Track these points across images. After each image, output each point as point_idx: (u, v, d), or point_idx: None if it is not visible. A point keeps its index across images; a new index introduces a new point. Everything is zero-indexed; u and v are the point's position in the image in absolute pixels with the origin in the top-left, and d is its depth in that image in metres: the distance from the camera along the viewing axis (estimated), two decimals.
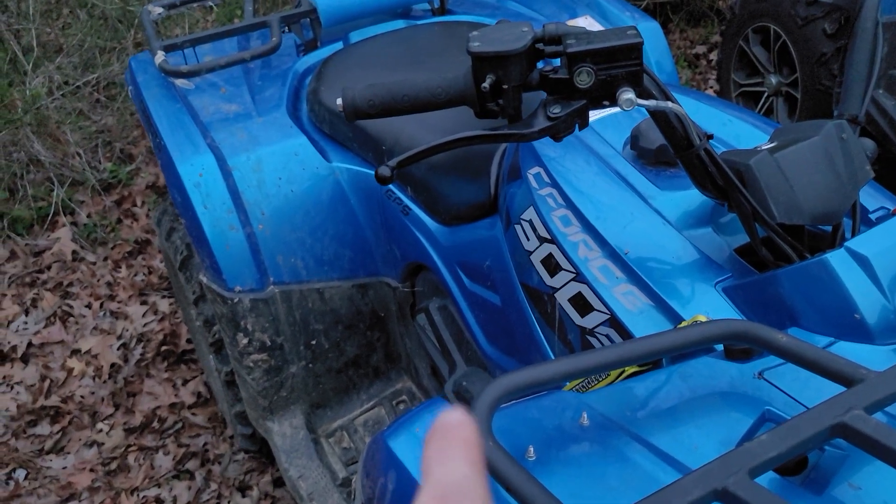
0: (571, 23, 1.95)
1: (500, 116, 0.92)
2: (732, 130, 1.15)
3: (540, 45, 0.84)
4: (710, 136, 0.90)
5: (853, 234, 0.94)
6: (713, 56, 3.68)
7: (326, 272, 1.66)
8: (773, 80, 2.87)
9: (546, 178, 1.13)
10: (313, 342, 1.67)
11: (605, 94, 0.81)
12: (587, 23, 1.96)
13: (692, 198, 1.06)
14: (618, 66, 0.79)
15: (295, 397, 1.68)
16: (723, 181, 0.89)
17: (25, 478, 2.04)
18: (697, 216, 1.05)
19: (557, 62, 0.86)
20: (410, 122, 1.57)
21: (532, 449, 0.73)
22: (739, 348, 0.82)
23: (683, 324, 0.87)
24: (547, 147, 1.18)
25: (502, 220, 1.28)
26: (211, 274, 1.56)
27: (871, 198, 1.02)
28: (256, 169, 1.58)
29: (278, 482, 1.96)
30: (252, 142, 1.61)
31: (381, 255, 1.71)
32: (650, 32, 1.89)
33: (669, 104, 0.83)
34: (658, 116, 0.87)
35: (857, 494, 0.68)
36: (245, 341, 1.57)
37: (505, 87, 0.81)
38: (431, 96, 0.87)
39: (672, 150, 0.90)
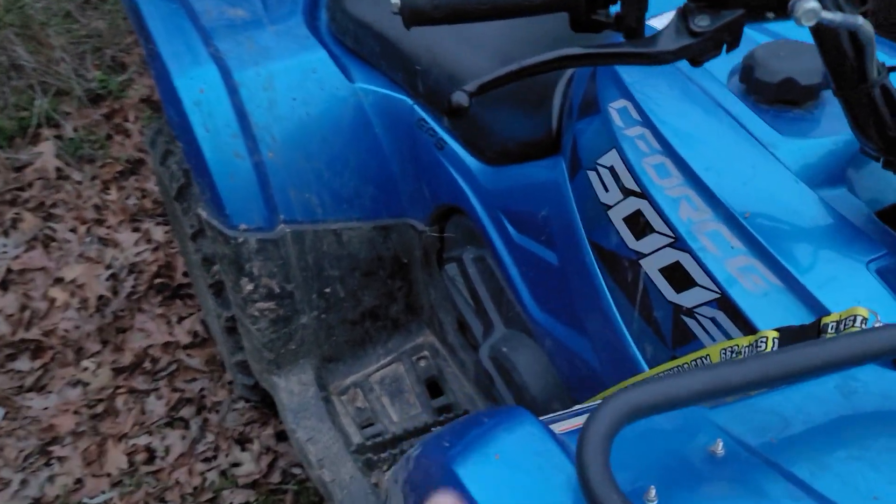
0: None
1: (603, 30, 0.69)
2: None
3: None
4: (893, 69, 0.67)
5: None
6: None
7: (345, 211, 1.44)
8: None
9: (635, 115, 0.91)
10: (327, 290, 1.46)
11: (770, 2, 0.59)
12: None
13: (821, 148, 0.84)
14: None
15: (305, 351, 1.49)
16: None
17: (4, 417, 1.87)
18: (829, 171, 0.83)
19: None
20: (448, 37, 1.32)
21: (654, 491, 0.54)
22: None
23: (836, 316, 0.66)
24: (634, 74, 0.95)
25: (567, 163, 1.06)
26: (212, 208, 1.34)
27: None
28: (267, 86, 1.34)
29: (282, 435, 1.79)
30: (262, 54, 1.37)
31: (408, 193, 1.49)
32: None
33: (860, 20, 0.60)
34: (827, 38, 0.64)
35: None
36: (250, 287, 1.37)
37: None
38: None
39: (833, 84, 0.68)
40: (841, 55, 0.65)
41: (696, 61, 0.64)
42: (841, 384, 0.62)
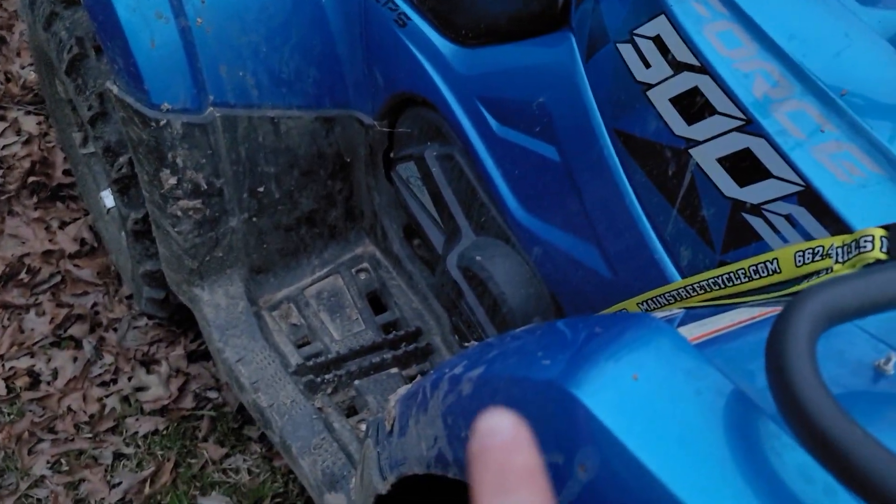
0: None
1: None
2: None
3: None
4: None
5: None
6: None
7: (284, 96, 1.22)
8: None
9: None
10: (260, 189, 1.25)
11: None
12: None
13: None
14: None
15: (233, 259, 1.28)
16: None
17: None
18: None
19: None
20: None
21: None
22: None
23: None
24: None
25: (582, 39, 0.90)
26: (127, 82, 1.09)
27: None
28: None
29: (193, 356, 1.58)
30: None
31: (356, 79, 1.28)
32: None
33: None
34: None
35: None
36: (173, 181, 1.14)
37: None
38: None
39: None
40: None
41: None
42: None
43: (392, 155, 1.34)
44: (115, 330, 1.60)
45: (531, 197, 1.04)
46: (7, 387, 1.52)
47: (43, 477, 1.41)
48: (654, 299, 0.81)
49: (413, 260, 1.39)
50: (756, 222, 0.71)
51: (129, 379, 1.53)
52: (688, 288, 0.77)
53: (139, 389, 1.53)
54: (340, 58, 1.26)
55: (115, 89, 1.11)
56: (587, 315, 0.92)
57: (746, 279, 0.70)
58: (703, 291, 0.75)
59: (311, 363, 1.26)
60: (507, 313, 1.08)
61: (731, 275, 0.71)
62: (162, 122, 1.09)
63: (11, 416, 1.48)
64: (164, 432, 1.48)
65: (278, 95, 1.22)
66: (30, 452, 1.44)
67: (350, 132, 1.33)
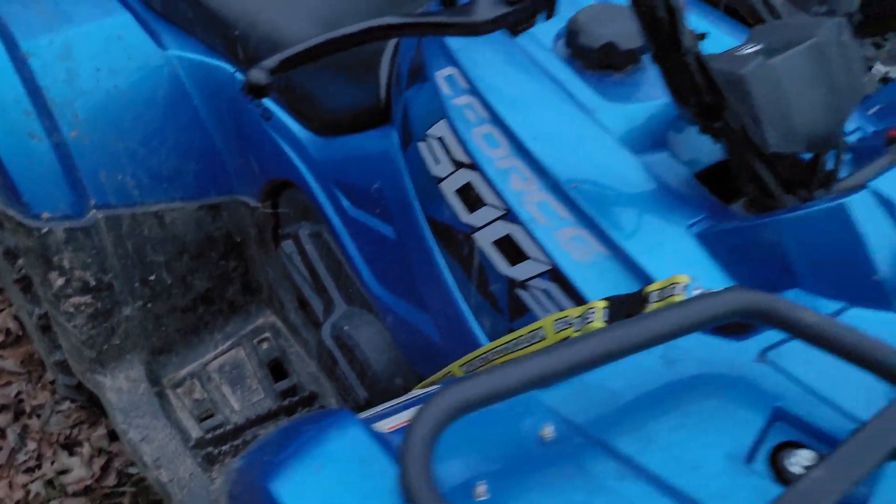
0: None
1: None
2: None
3: None
4: (703, 36, 0.67)
5: (836, 165, 0.77)
6: None
7: (166, 191, 1.33)
8: None
9: (463, 83, 0.87)
10: (151, 278, 1.35)
11: None
12: None
13: (642, 112, 0.85)
14: None
15: (131, 345, 1.37)
16: (711, 97, 0.68)
17: None
18: (652, 135, 0.84)
19: None
20: (277, 5, 1.24)
21: (483, 486, 0.52)
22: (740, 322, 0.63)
23: (658, 284, 0.67)
24: (460, 40, 0.91)
25: (399, 134, 1.02)
26: (7, 196, 1.19)
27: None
28: (65, 56, 1.19)
29: (115, 434, 1.66)
30: (57, 18, 1.22)
31: (236, 168, 1.39)
32: None
33: None
34: (642, 5, 0.64)
35: None
36: (61, 282, 1.23)
37: None
38: None
39: (653, 51, 0.68)
40: (656, 22, 0.65)
41: (514, 30, 0.62)
42: (664, 353, 0.62)
43: (279, 232, 1.45)
44: (39, 416, 1.68)
45: (380, 270, 1.14)
46: None
47: None
48: (470, 362, 0.92)
49: (308, 327, 1.49)
50: (525, 296, 0.82)
51: (52, 463, 1.61)
52: (492, 351, 0.88)
53: (62, 472, 1.60)
54: (218, 150, 1.37)
55: None
56: (312, 414, 1.01)
57: (526, 344, 0.81)
58: (502, 354, 0.86)
59: (210, 436, 1.34)
60: (372, 377, 1.18)
61: (515, 341, 0.82)
62: (44, 230, 1.19)
63: None
64: None
65: (160, 191, 1.32)
66: None
67: (237, 215, 1.44)
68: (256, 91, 0.64)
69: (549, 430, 0.56)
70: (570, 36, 0.88)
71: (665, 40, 0.65)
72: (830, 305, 0.65)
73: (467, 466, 0.54)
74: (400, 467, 0.46)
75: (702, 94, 0.69)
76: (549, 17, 0.63)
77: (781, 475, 0.55)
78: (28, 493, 1.57)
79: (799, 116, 0.70)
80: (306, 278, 1.38)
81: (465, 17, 0.59)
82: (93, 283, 1.26)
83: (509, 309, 0.85)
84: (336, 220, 1.21)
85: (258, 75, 0.64)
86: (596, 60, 0.87)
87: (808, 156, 0.76)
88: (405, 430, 0.47)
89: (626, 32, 0.85)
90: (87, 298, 1.26)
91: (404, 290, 1.09)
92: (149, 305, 1.37)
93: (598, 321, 0.70)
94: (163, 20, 1.31)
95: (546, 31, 0.92)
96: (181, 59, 1.30)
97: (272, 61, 0.66)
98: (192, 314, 1.45)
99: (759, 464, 0.56)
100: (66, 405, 1.69)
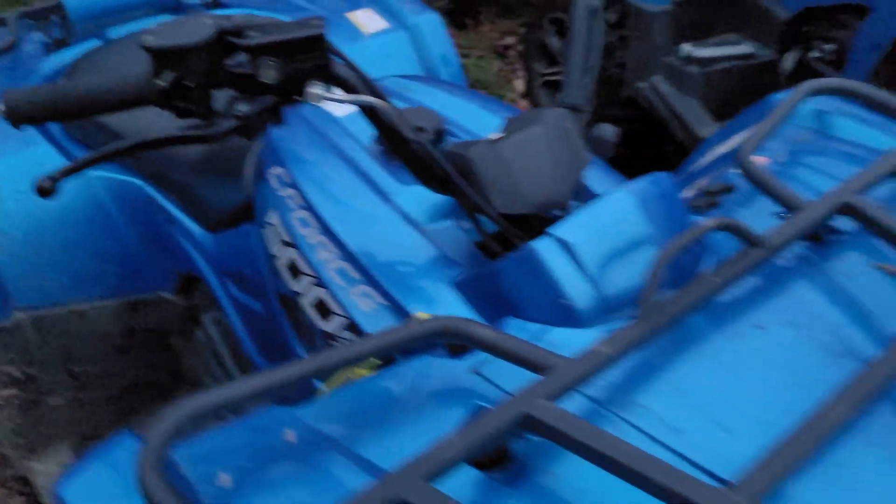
0: (351, 15, 1.90)
1: (189, 116, 0.84)
2: (477, 121, 1.14)
3: (231, 38, 0.77)
4: (421, 129, 0.87)
5: None
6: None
7: (87, 291, 1.52)
8: None
9: (286, 178, 1.07)
10: (76, 369, 1.52)
11: (293, 89, 0.76)
12: (368, 16, 1.92)
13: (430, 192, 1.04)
14: (302, 59, 0.74)
15: (61, 432, 1.53)
16: (441, 174, 0.87)
17: None
18: (439, 210, 1.02)
19: None
20: (164, 122, 1.46)
21: (225, 476, 0.67)
22: (460, 345, 0.80)
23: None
24: (290, 144, 1.12)
25: (257, 225, 1.21)
26: None
27: (599, 181, 1.03)
28: None
29: None
30: None
31: (153, 267, 1.58)
32: (430, 24, 1.88)
33: (365, 97, 0.79)
34: (367, 112, 0.83)
35: (554, 483, 0.67)
36: None
37: (189, 84, 0.74)
38: (102, 97, 0.78)
39: (388, 145, 0.87)
40: (380, 122, 0.84)
41: (248, 136, 0.81)
42: (398, 373, 0.79)
43: (199, 321, 1.63)
44: None
45: (260, 343, 1.31)
46: None
47: None
48: None
49: None
50: (336, 345, 0.99)
51: None
52: None
53: None
54: (136, 253, 1.57)
55: None
56: None
57: None
58: None
59: None
60: None
61: None
62: None
63: None
64: None
65: (82, 291, 1.51)
66: None
67: (159, 308, 1.62)
68: (44, 193, 0.82)
69: (290, 434, 0.72)
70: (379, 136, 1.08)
71: (392, 135, 0.85)
72: (536, 327, 0.81)
73: (218, 464, 0.69)
74: (136, 467, 0.61)
75: (436, 174, 0.87)
76: (276, 124, 0.82)
77: None
78: None
79: (525, 185, 0.88)
80: (218, 359, 1.55)
81: (206, 130, 0.78)
82: (18, 375, 1.43)
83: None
84: (228, 306, 1.39)
85: (45, 182, 0.81)
86: None
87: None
88: (141, 443, 0.63)
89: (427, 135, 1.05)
90: (12, 391, 1.42)
91: (276, 357, 1.25)
92: (78, 395, 1.53)
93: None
94: (82, 146, 1.53)
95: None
96: (98, 178, 1.51)
97: (57, 172, 0.83)
98: (123, 401, 1.61)
99: None
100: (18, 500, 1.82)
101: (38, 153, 1.46)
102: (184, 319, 1.61)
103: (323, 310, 0.99)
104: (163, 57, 0.74)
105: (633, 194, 0.83)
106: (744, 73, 2.41)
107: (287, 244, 1.04)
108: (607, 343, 0.70)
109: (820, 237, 0.94)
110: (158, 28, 0.76)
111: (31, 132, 1.49)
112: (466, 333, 0.71)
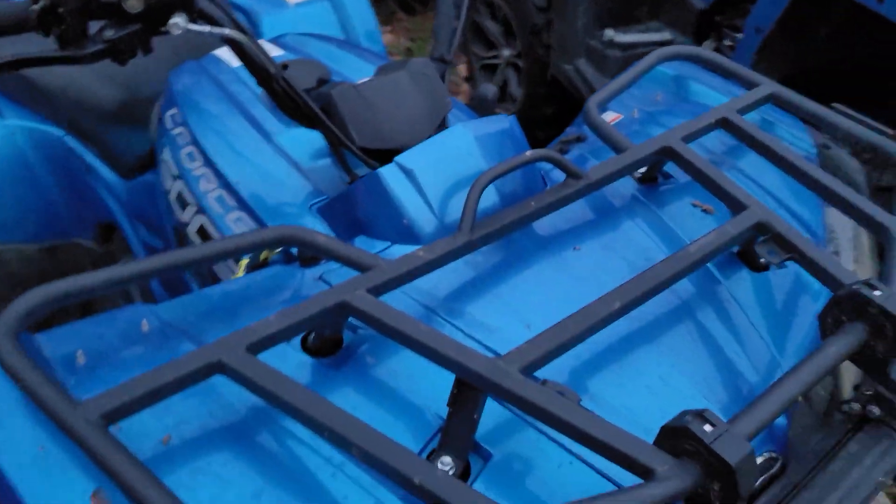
0: None
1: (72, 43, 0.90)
2: (364, 73, 1.24)
3: None
4: (285, 66, 0.96)
5: None
6: None
7: (5, 236, 1.58)
8: (506, 52, 3.08)
9: (178, 118, 1.16)
10: None
11: (157, 19, 0.85)
12: None
13: (313, 133, 1.13)
14: None
15: None
16: (306, 110, 0.96)
17: None
18: (318, 151, 1.12)
19: None
20: (85, 74, 1.53)
21: (82, 353, 0.76)
22: (310, 255, 0.89)
23: None
24: (185, 89, 1.20)
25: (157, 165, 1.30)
26: None
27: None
28: None
29: None
30: None
31: (72, 215, 1.65)
32: None
33: (227, 31, 0.88)
34: (234, 47, 0.92)
35: (372, 365, 0.77)
36: None
37: (61, 10, 0.82)
38: None
39: (256, 80, 0.96)
40: (246, 58, 0.93)
41: (119, 61, 0.89)
42: (253, 279, 0.88)
43: None
44: None
45: (165, 285, 1.39)
46: None
47: None
48: None
49: None
50: (217, 269, 1.08)
51: None
52: None
53: None
54: (55, 201, 1.63)
55: None
56: None
57: None
58: None
59: None
60: None
61: None
62: None
63: None
64: None
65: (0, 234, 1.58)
66: None
67: (76, 255, 1.69)
68: None
69: (145, 325, 0.80)
70: None
71: (258, 70, 0.94)
72: (382, 245, 0.91)
73: (76, 346, 0.77)
74: None
75: (301, 109, 0.97)
76: (145, 52, 0.90)
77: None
78: None
79: (386, 124, 0.98)
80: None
81: (73, 51, 0.85)
82: None
83: (212, 280, 1.11)
84: (140, 251, 1.47)
85: None
86: None
87: None
88: None
89: (305, 76, 1.15)
90: None
91: (173, 294, 1.34)
92: None
93: (241, 270, 0.96)
94: (2, 95, 1.60)
95: None
96: (19, 127, 1.57)
97: None
98: None
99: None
100: None
101: None
102: (99, 266, 1.68)
103: (204, 235, 1.08)
104: None
105: (471, 130, 0.93)
106: None
107: (176, 178, 1.13)
108: (426, 250, 0.80)
109: (655, 180, 1.06)
110: None
111: None
112: (302, 239, 0.80)
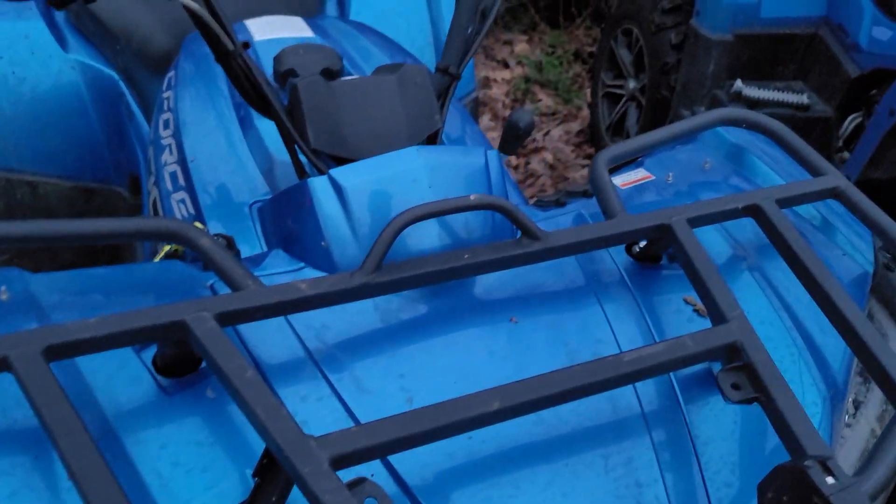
0: None
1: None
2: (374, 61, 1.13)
3: None
4: (247, 45, 0.86)
5: None
6: None
7: (44, 166, 1.59)
8: (632, 84, 2.87)
9: (172, 82, 1.09)
10: None
11: None
12: None
13: None
14: None
15: None
16: (262, 96, 0.86)
17: None
18: None
19: None
20: (147, 24, 1.51)
21: None
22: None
23: None
24: (189, 58, 1.14)
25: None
26: None
27: None
28: None
29: None
30: None
31: (112, 160, 1.65)
32: None
33: (187, 1, 0.79)
34: (191, 15, 0.83)
35: (212, 406, 0.66)
36: None
37: None
38: None
39: (214, 55, 0.86)
40: (206, 30, 0.83)
41: (57, 6, 0.81)
42: (137, 268, 0.79)
43: None
44: None
45: None
46: None
47: None
48: None
49: None
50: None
51: None
52: None
53: None
54: (100, 142, 1.63)
55: None
56: None
57: None
58: None
59: None
60: None
61: None
62: None
63: None
64: None
65: (38, 164, 1.59)
66: None
67: (112, 202, 1.69)
68: (57, 4, 0.81)
69: (5, 292, 0.73)
70: None
71: (216, 44, 0.84)
72: (296, 265, 0.79)
73: None
74: None
75: (259, 91, 0.86)
76: (86, 2, 0.82)
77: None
78: None
79: (350, 128, 0.86)
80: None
81: None
82: None
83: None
84: (147, 209, 1.43)
85: None
86: None
87: None
88: None
89: (302, 63, 1.05)
90: None
91: None
92: (15, 260, 1.62)
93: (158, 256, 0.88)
94: (73, 29, 1.61)
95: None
96: (79, 62, 1.58)
97: None
98: None
99: None
100: None
101: (28, 26, 1.54)
102: (129, 215, 1.67)
103: (156, 211, 1.00)
104: None
105: (427, 155, 0.79)
106: (794, 124, 2.25)
107: (150, 143, 1.06)
108: (311, 283, 0.67)
109: (657, 260, 0.87)
110: None
111: (30, 9, 1.58)
112: (187, 237, 0.70)
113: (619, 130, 2.95)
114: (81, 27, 1.60)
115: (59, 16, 1.63)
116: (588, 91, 3.41)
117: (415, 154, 0.79)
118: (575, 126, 3.20)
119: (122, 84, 1.55)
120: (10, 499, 0.59)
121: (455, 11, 0.97)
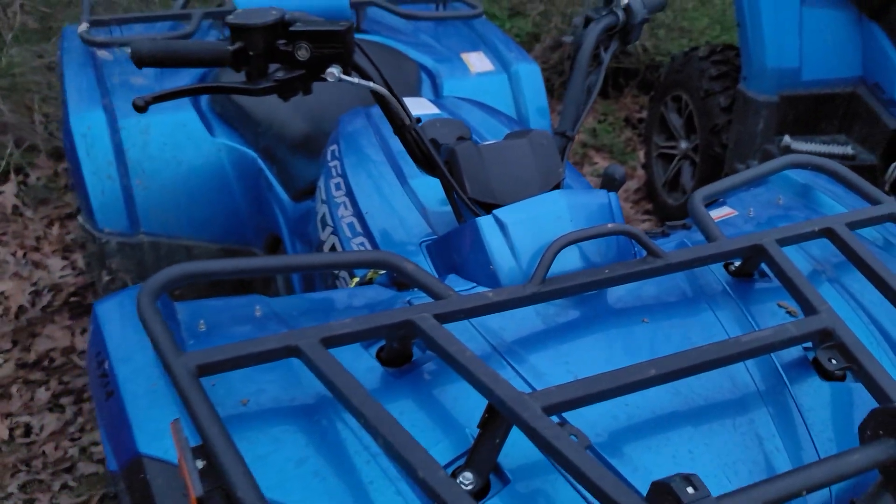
0: (465, 55, 2.19)
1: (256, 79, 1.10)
2: (497, 135, 1.38)
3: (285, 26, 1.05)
4: (419, 120, 1.11)
5: None
6: None
7: (197, 232, 1.87)
8: (683, 144, 3.11)
9: (336, 153, 1.36)
10: (176, 293, 1.87)
11: (318, 68, 1.03)
12: (478, 58, 2.21)
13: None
14: (328, 47, 1.01)
15: None
16: (430, 157, 1.11)
17: None
18: (444, 197, 1.26)
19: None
20: (284, 108, 1.81)
21: (203, 323, 0.94)
22: (402, 281, 1.02)
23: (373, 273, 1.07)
24: (347, 129, 1.40)
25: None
26: (86, 215, 1.78)
27: None
28: (144, 132, 1.81)
29: None
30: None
31: (253, 226, 1.93)
32: (529, 73, 2.13)
33: (372, 84, 1.05)
34: (377, 98, 1.09)
35: (432, 385, 0.88)
36: (107, 279, 1.78)
37: (251, 53, 1.03)
38: (193, 54, 1.07)
39: (392, 127, 1.12)
40: (386, 108, 1.09)
41: (283, 97, 1.08)
42: (353, 293, 1.03)
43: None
44: (92, 401, 2.20)
45: None
46: (10, 434, 2.13)
47: (10, 493, 1.97)
48: None
49: None
50: (339, 281, 1.24)
51: (90, 434, 2.10)
52: None
53: (94, 444, 2.09)
54: (240, 210, 1.92)
55: (80, 220, 1.80)
56: None
57: None
58: None
59: None
60: None
61: None
62: (104, 241, 1.76)
63: (5, 452, 2.08)
64: (101, 474, 2.02)
65: (193, 231, 1.87)
66: (11, 476, 2.01)
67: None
68: (137, 109, 1.08)
69: (258, 310, 0.97)
70: None
71: (394, 119, 1.10)
72: (468, 284, 1.02)
73: (202, 318, 0.95)
74: (138, 298, 0.89)
75: (427, 157, 1.12)
76: (305, 93, 1.08)
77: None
78: (65, 453, 2.07)
79: (496, 181, 1.10)
80: None
81: (250, 84, 1.04)
82: (131, 283, 1.79)
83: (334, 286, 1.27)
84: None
85: (139, 101, 1.07)
86: None
87: None
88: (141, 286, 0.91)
89: (445, 133, 1.31)
90: None
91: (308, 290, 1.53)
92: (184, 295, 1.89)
93: (352, 283, 1.12)
94: (218, 117, 1.91)
95: None
96: (224, 145, 1.88)
97: (149, 96, 1.08)
98: None
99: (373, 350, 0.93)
100: None
101: (185, 117, 1.85)
102: (267, 275, 1.93)
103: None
104: (235, 31, 1.03)
105: (566, 197, 1.03)
106: None
107: (323, 202, 1.32)
108: (496, 292, 0.90)
109: (750, 275, 1.09)
110: (242, 11, 1.06)
111: (184, 103, 1.89)
112: (393, 263, 0.94)
113: (674, 186, 3.18)
114: (224, 114, 1.90)
115: (206, 105, 1.93)
116: (641, 153, 3.66)
117: (558, 196, 1.03)
118: (633, 185, 3.44)
119: (259, 161, 1.84)
120: (299, 465, 0.79)
121: (569, 87, 1.22)
